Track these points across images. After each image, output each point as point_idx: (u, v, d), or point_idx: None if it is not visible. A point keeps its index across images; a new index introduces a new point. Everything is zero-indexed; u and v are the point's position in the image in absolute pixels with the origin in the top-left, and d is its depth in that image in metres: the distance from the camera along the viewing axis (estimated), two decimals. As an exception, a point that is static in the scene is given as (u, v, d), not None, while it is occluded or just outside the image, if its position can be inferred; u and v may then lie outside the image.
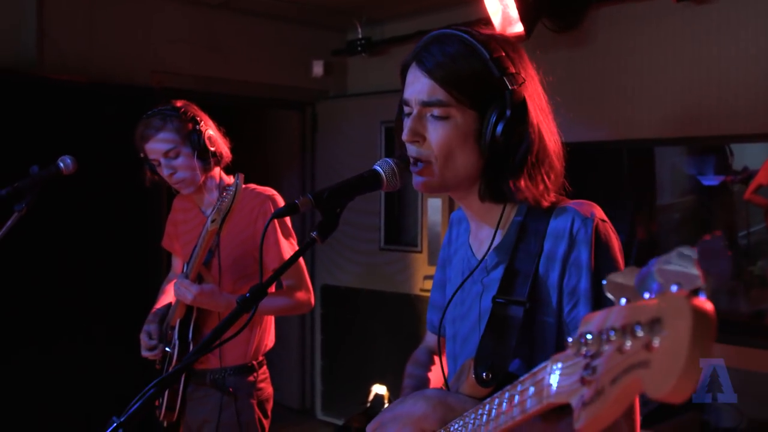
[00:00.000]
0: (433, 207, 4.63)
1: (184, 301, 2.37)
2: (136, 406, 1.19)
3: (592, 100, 4.00)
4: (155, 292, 2.90)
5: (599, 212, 1.36)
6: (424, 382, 1.70)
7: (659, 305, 0.67)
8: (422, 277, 4.73)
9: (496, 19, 3.92)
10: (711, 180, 4.46)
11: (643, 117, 3.90)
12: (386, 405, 4.57)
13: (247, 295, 1.29)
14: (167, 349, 2.46)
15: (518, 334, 1.31)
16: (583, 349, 0.77)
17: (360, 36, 5.05)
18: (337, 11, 4.88)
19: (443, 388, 1.51)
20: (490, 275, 1.43)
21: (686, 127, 3.79)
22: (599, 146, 4.09)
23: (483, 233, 1.49)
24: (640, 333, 0.68)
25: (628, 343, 0.69)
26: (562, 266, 1.32)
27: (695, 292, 0.66)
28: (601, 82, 4.01)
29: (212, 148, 2.51)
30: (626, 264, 1.39)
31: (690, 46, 3.67)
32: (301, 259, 2.62)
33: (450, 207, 4.56)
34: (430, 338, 1.82)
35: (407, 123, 1.38)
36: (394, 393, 4.62)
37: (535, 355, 1.35)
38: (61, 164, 2.31)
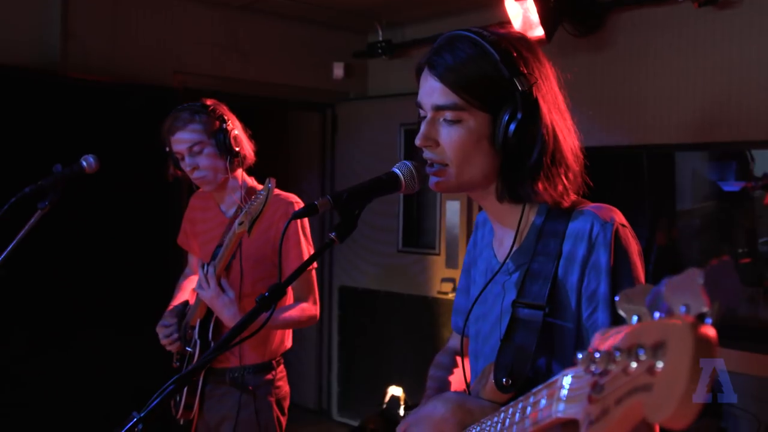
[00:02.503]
0: (452, 209, 4.63)
1: (201, 295, 2.39)
2: (155, 402, 1.20)
3: (612, 104, 3.99)
4: (173, 287, 2.92)
5: (619, 217, 1.35)
6: (446, 385, 1.71)
7: (664, 329, 0.67)
8: (440, 279, 4.73)
9: (517, 23, 3.92)
10: (732, 186, 4.43)
11: (663, 122, 3.89)
12: (402, 407, 4.57)
13: (266, 294, 1.30)
14: (188, 348, 2.49)
15: (538, 339, 1.31)
16: (592, 366, 0.77)
17: (380, 38, 5.07)
18: (358, 14, 4.90)
19: (465, 390, 1.51)
20: (512, 277, 1.44)
21: (707, 133, 3.77)
22: (619, 151, 4.08)
23: (504, 234, 1.49)
24: (643, 356, 0.68)
25: (633, 365, 0.69)
26: (581, 270, 1.32)
27: (701, 318, 0.66)
28: (621, 87, 3.99)
29: (237, 149, 2.53)
30: (646, 269, 1.39)
31: (711, 51, 3.65)
32: (312, 271, 2.64)
33: (469, 210, 4.56)
34: (454, 340, 1.84)
35: (421, 127, 1.39)
36: (410, 395, 4.63)
37: (554, 361, 1.35)
38: (84, 163, 2.33)
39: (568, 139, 1.40)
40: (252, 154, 2.64)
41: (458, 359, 1.78)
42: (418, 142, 1.39)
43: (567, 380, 0.90)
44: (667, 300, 0.71)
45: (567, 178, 1.37)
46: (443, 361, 1.80)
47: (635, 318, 0.76)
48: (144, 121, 4.08)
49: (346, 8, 4.78)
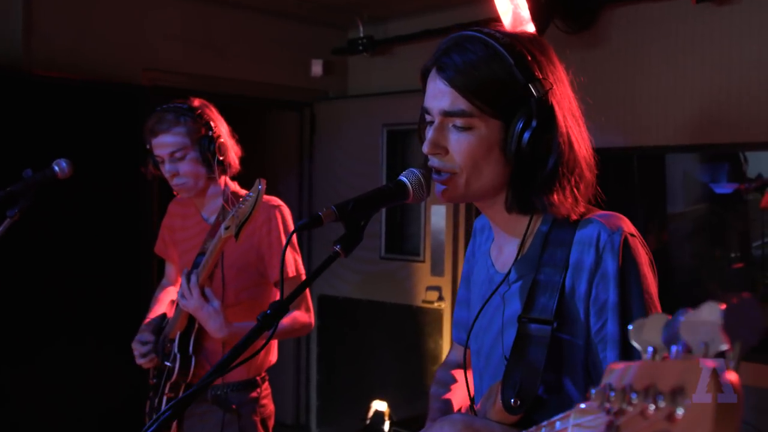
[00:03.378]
0: (438, 214, 4.63)
1: (182, 305, 2.36)
2: (152, 430, 1.18)
3: (604, 104, 4.01)
4: (146, 298, 2.89)
5: (628, 225, 1.35)
6: (449, 404, 1.70)
7: (683, 372, 0.66)
8: (425, 287, 4.73)
9: (506, 19, 3.92)
10: (724, 188, 4.48)
11: (656, 123, 3.91)
12: (387, 422, 4.55)
13: (268, 311, 1.29)
14: (167, 363, 2.45)
15: (547, 357, 1.30)
16: (606, 404, 0.76)
17: (362, 34, 5.05)
18: (337, 8, 4.88)
19: (469, 408, 1.51)
20: (512, 288, 1.43)
21: (705, 134, 3.80)
22: (611, 153, 4.10)
23: (504, 242, 1.49)
24: (662, 403, 0.66)
25: (651, 408, 0.68)
26: (589, 280, 1.32)
27: (721, 359, 0.65)
28: (613, 86, 4.01)
29: (221, 157, 2.51)
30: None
31: (709, 50, 3.68)
32: (302, 275, 2.62)
33: (455, 215, 4.56)
34: (454, 353, 1.83)
35: (428, 134, 1.38)
36: (395, 409, 4.62)
37: (564, 378, 1.35)
38: (56, 168, 2.29)
39: (583, 147, 1.40)
40: (237, 161, 2.63)
41: (460, 373, 1.78)
42: (426, 149, 1.38)
43: (580, 418, 0.89)
44: (685, 335, 0.69)
45: (578, 189, 1.37)
46: (445, 377, 1.79)
47: (650, 350, 0.75)
48: (112, 121, 4.06)
49: (326, 2, 4.76)
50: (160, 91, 4.30)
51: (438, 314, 4.61)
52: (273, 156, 5.58)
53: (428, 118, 1.40)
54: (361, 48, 5.06)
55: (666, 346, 0.72)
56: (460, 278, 1.78)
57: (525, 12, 3.83)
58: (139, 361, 2.50)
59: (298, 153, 5.47)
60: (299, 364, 5.51)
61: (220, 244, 2.27)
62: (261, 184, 2.13)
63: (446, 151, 1.36)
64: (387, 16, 4.99)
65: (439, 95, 1.35)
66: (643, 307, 1.31)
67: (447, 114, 1.34)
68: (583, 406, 0.89)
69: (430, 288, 4.70)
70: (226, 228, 2.20)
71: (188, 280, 2.34)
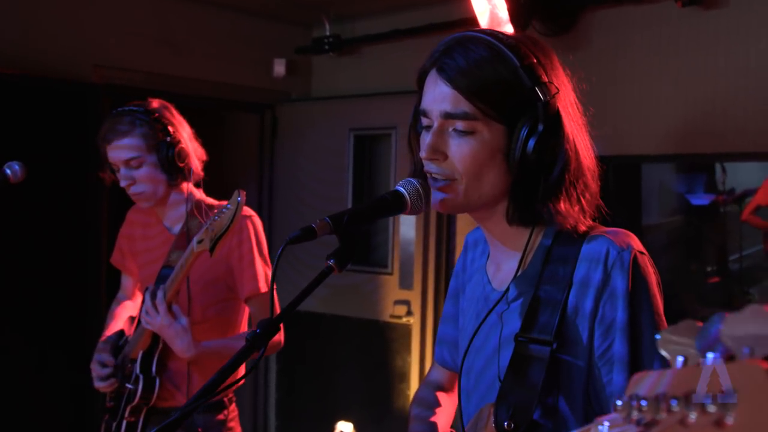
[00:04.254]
0: (407, 223, 4.61)
1: (147, 324, 2.30)
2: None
3: (582, 110, 4.03)
4: (94, 309, 2.83)
5: (636, 243, 1.35)
6: (433, 427, 1.69)
7: (731, 375, 0.64)
8: (393, 301, 4.70)
9: (483, 20, 3.93)
10: (701, 199, 4.54)
11: (635, 131, 3.94)
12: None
13: (257, 330, 1.26)
14: (128, 385, 2.39)
15: (545, 378, 1.29)
16: (635, 415, 0.74)
17: (327, 33, 5.01)
18: (302, 5, 4.84)
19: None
20: (511, 307, 1.42)
21: (679, 144, 3.84)
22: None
23: (502, 258, 1.48)
24: (711, 408, 0.64)
25: (693, 416, 0.66)
26: (596, 297, 1.31)
27: None
28: (593, 91, 4.00)
29: (180, 164, 2.47)
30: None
31: (694, 56, 3.72)
32: (275, 293, 2.58)
33: (425, 225, 4.54)
34: (436, 373, 1.82)
35: (426, 138, 1.36)
36: (361, 430, 4.58)
37: (561, 401, 1.34)
38: (8, 171, 2.24)
39: (587, 156, 1.40)
40: (199, 167, 2.59)
41: (443, 395, 1.77)
42: (424, 154, 1.36)
43: (603, 430, 0.87)
44: (725, 340, 0.68)
45: (584, 197, 1.37)
46: (426, 397, 1.78)
47: (680, 360, 0.74)
48: (60, 121, 3.96)
49: (290, -1, 4.74)
50: (113, 90, 4.24)
51: (406, 330, 4.59)
52: (231, 161, 5.50)
53: (425, 121, 1.39)
54: (326, 47, 5.01)
55: (701, 354, 0.71)
56: (447, 294, 1.77)
57: (503, 13, 3.84)
58: (98, 384, 2.43)
59: (258, 158, 5.41)
60: (257, 382, 5.44)
61: (191, 259, 2.23)
62: (240, 196, 2.09)
63: (445, 157, 1.35)
64: (354, 14, 4.96)
65: (440, 97, 1.34)
66: (653, 327, 1.30)
67: (448, 116, 1.33)
68: (605, 422, 0.87)
69: (398, 302, 4.67)
70: (199, 242, 2.16)
71: (153, 296, 2.28)
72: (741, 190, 4.28)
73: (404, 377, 4.56)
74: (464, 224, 4.48)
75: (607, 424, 0.87)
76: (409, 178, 1.40)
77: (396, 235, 4.69)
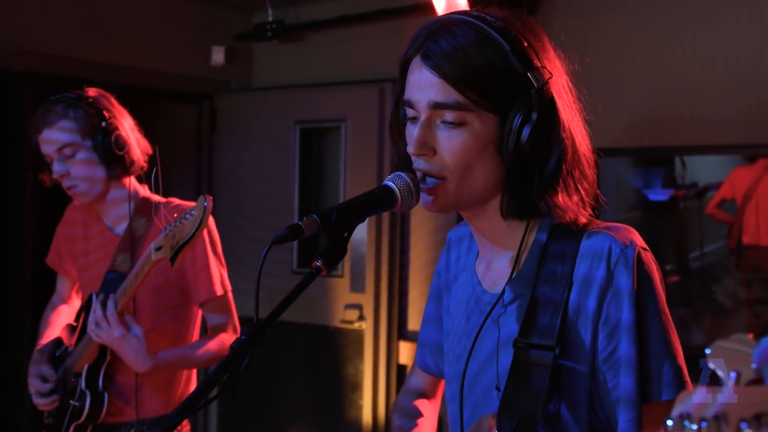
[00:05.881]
0: (358, 223, 4.60)
1: (97, 337, 2.25)
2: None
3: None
4: (17, 310, 2.76)
5: (639, 239, 1.36)
6: None
7: None
8: (343, 305, 4.69)
9: (440, 5, 3.95)
10: (658, 194, 4.63)
11: (593, 122, 4.00)
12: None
13: (243, 337, 1.24)
14: (72, 401, 2.34)
15: (548, 387, 1.29)
16: None
17: (270, 18, 4.97)
18: (243, -12, 4.82)
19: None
20: (507, 310, 1.41)
21: (639, 136, 3.90)
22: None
23: (493, 257, 1.48)
24: None
25: None
26: (599, 296, 1.31)
27: None
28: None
29: (120, 152, 2.43)
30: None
31: (660, 44, 3.79)
32: (229, 292, 2.57)
33: (378, 224, 4.54)
34: (416, 380, 1.81)
35: (413, 131, 1.35)
36: (311, 444, 4.56)
37: (563, 409, 1.34)
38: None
39: (583, 142, 1.41)
40: (141, 158, 2.55)
41: (424, 403, 1.76)
42: (412, 149, 1.35)
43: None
44: None
45: (582, 187, 1.38)
46: (407, 407, 1.78)
47: (733, 375, 0.74)
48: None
49: (230, -19, 4.69)
50: (38, 78, 4.15)
51: (359, 336, 4.59)
52: (165, 156, 5.39)
53: (410, 113, 1.37)
54: (269, 34, 4.97)
55: (760, 371, 0.71)
56: (429, 295, 1.75)
57: (461, -3, 3.87)
58: (38, 401, 2.37)
59: (195, 153, 5.34)
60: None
61: (148, 268, 2.18)
62: (207, 202, 2.05)
63: (434, 152, 1.34)
64: (299, -2, 4.95)
65: (427, 86, 1.32)
66: (661, 327, 1.32)
67: (437, 106, 1.32)
68: None
69: (349, 306, 4.66)
70: (158, 249, 2.12)
71: (104, 307, 2.22)
72: (703, 184, 4.38)
73: (357, 386, 4.55)
74: (418, 221, 4.50)
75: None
76: (398, 172, 1.37)
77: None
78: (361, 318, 4.60)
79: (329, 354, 4.73)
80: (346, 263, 4.68)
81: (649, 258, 1.35)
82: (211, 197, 2.08)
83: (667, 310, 1.34)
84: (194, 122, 5.35)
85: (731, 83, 3.59)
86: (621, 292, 1.30)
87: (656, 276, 1.35)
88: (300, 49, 5.01)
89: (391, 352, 4.56)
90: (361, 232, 4.60)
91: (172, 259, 2.07)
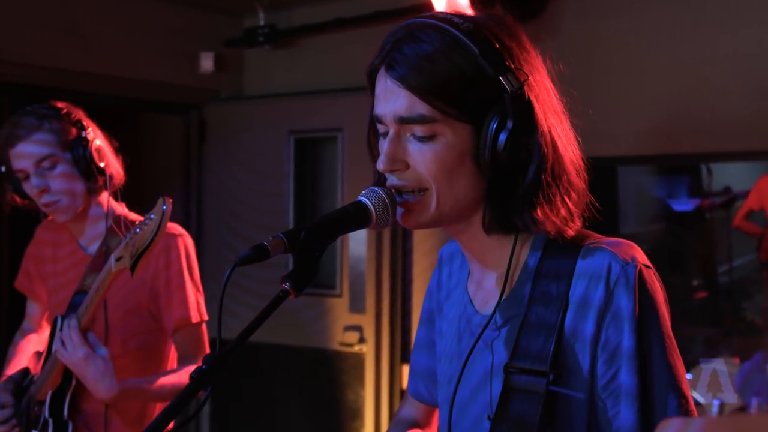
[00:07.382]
0: (357, 239, 4.60)
1: (60, 355, 2.24)
2: None
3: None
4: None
5: (641, 256, 1.35)
6: None
7: None
8: (342, 327, 4.68)
9: (440, 5, 3.95)
10: (684, 204, 4.60)
11: (611, 129, 3.99)
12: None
13: (204, 366, 1.23)
14: (34, 431, 2.34)
15: (541, 415, 1.28)
16: None
17: (262, 23, 4.99)
18: (231, -9, 4.84)
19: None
20: (501, 333, 1.40)
21: (660, 143, 3.88)
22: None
23: (483, 276, 1.47)
24: None
25: None
26: (597, 320, 1.30)
27: None
28: (563, 86, 4.07)
29: (101, 163, 2.44)
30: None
31: (678, 45, 3.78)
32: (203, 324, 2.56)
33: (378, 240, 4.53)
34: (408, 410, 1.81)
35: (383, 147, 1.35)
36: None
37: None
38: None
39: (569, 148, 1.40)
40: (121, 173, 2.56)
41: None
42: (382, 166, 1.35)
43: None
44: None
45: (570, 198, 1.36)
46: None
47: (716, 403, 0.74)
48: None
49: (218, -17, 4.72)
50: (12, 89, 4.19)
51: (359, 359, 4.57)
52: (152, 170, 5.44)
53: (381, 128, 1.38)
54: (260, 39, 5.00)
55: (742, 397, 0.71)
56: (420, 318, 1.75)
57: (463, -2, 3.87)
58: None
59: (183, 167, 5.36)
60: (186, 427, 5.37)
61: (109, 280, 2.18)
62: (166, 204, 2.04)
63: (406, 166, 1.34)
64: (292, 1, 4.96)
65: (392, 99, 1.33)
66: (664, 353, 1.31)
67: (403, 121, 1.32)
68: None
69: (348, 328, 4.66)
70: (118, 259, 2.11)
71: (67, 325, 2.22)
72: (730, 194, 4.35)
73: (357, 413, 4.54)
74: (421, 236, 4.48)
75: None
76: (374, 187, 1.37)
77: (345, 252, 4.68)
78: (361, 340, 4.58)
79: (328, 379, 4.72)
80: (345, 282, 4.68)
81: (652, 276, 1.34)
82: (171, 200, 2.07)
83: (671, 333, 1.33)
84: (182, 134, 5.36)
85: (754, 85, 3.56)
86: (621, 314, 1.29)
87: (660, 296, 1.34)
88: (293, 54, 5.03)
89: (394, 377, 4.55)
90: (361, 248, 4.60)
91: (132, 268, 2.07)
